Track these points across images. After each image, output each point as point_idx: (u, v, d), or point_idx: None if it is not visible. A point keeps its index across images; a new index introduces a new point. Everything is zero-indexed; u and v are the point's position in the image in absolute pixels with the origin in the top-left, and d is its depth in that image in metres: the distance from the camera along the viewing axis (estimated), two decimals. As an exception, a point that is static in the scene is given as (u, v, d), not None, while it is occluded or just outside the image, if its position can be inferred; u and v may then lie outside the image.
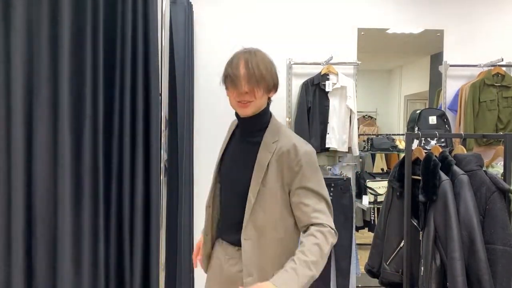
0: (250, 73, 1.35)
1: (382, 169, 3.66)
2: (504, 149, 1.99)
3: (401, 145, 3.44)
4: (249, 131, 1.50)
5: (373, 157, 3.68)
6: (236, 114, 1.51)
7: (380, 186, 3.32)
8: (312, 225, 1.37)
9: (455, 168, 1.88)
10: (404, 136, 2.42)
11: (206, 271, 1.64)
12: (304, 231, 1.39)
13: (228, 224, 1.52)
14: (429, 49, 3.57)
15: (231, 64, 1.39)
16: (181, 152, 2.80)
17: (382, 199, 2.47)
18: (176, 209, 2.76)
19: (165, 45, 2.31)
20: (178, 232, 2.74)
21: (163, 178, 2.08)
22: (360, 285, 3.36)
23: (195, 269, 3.06)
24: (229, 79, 1.38)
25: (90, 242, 1.79)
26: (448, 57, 3.48)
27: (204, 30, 3.39)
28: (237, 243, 1.45)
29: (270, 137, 1.45)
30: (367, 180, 3.36)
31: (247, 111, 1.41)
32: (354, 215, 3.23)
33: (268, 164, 1.41)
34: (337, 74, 3.22)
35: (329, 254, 3.08)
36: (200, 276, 2.65)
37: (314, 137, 3.18)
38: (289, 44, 3.44)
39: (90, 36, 1.79)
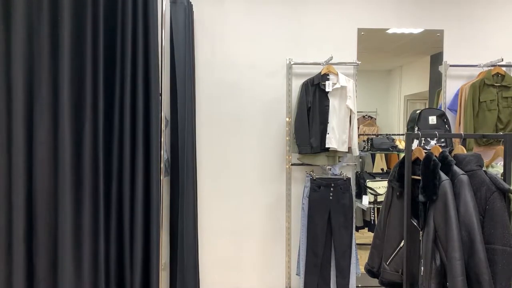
0: None
1: (382, 169, 3.66)
2: (504, 149, 1.99)
3: (401, 145, 3.44)
4: None
5: (373, 157, 3.68)
6: None
7: (380, 186, 3.33)
8: None
9: (455, 168, 1.88)
10: (404, 136, 2.43)
11: None
12: None
13: None
14: (429, 49, 3.57)
15: None
16: (182, 152, 2.80)
17: (382, 199, 2.47)
18: (179, 209, 2.77)
19: (165, 45, 2.31)
20: (181, 231, 2.74)
21: (163, 178, 2.09)
22: (360, 285, 3.36)
23: (199, 268, 3.06)
24: None
25: (90, 242, 1.79)
26: (448, 57, 3.49)
27: (204, 30, 3.40)
28: None
29: None
30: (367, 180, 3.36)
31: None
32: (354, 215, 3.23)
33: None
34: (337, 74, 3.22)
35: (330, 254, 3.10)
36: (203, 275, 2.65)
37: (314, 137, 3.18)
38: (289, 44, 3.44)
39: (90, 36, 1.80)
